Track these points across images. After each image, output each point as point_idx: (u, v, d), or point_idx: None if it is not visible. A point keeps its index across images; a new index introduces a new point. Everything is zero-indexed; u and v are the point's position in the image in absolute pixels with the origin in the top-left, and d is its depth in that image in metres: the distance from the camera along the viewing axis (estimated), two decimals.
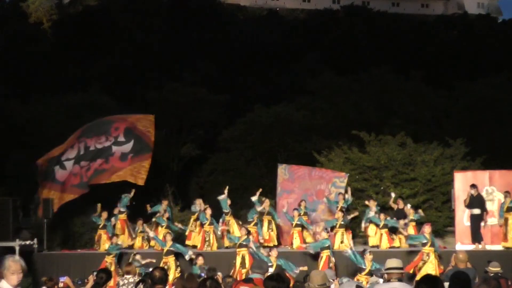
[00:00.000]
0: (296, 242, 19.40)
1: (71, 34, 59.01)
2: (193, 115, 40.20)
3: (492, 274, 10.54)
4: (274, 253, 16.63)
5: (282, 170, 22.81)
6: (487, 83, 39.62)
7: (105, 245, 19.68)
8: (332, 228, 19.21)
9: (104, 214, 20.68)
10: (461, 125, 35.38)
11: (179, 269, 17.24)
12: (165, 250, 17.50)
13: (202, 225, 19.57)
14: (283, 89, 49.01)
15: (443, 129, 34.32)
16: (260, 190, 20.66)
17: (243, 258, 16.91)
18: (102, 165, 21.36)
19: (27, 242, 19.80)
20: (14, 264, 5.67)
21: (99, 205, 21.13)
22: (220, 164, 36.17)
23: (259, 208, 19.86)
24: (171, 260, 17.38)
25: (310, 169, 22.92)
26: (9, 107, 37.77)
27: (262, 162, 35.43)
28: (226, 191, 20.25)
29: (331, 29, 67.37)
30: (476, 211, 18.73)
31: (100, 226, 20.65)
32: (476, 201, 18.74)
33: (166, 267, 16.50)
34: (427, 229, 16.75)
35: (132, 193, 21.34)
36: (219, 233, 19.45)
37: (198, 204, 20.21)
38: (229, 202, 20.27)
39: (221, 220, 19.83)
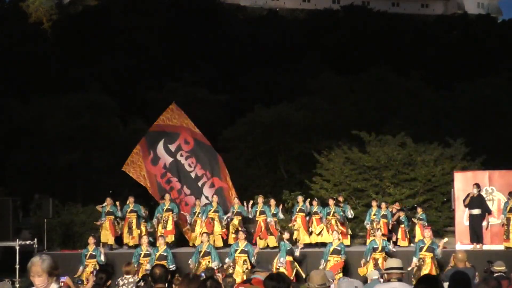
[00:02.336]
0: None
1: (71, 34, 59.03)
2: (193, 115, 40.13)
3: (497, 274, 10.42)
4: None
5: None
6: (487, 83, 39.64)
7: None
8: None
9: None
10: (461, 125, 35.40)
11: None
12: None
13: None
14: (283, 89, 49.02)
15: (443, 129, 34.32)
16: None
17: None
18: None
19: (27, 242, 19.81)
20: (33, 267, 5.25)
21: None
22: None
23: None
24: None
25: None
26: (9, 107, 37.82)
27: (262, 162, 35.44)
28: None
29: (331, 29, 67.36)
30: (475, 211, 18.73)
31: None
32: (476, 202, 18.74)
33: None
34: (426, 233, 16.63)
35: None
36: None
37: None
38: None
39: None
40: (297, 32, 67.80)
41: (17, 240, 19.33)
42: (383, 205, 20.19)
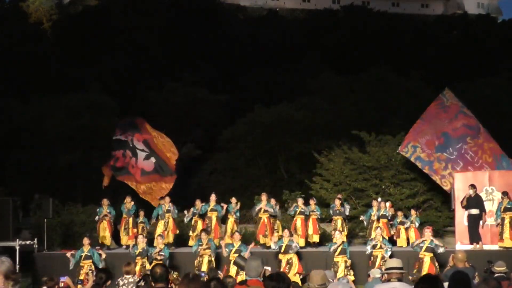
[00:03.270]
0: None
1: (71, 34, 59.00)
2: (193, 115, 40.21)
3: (498, 274, 10.39)
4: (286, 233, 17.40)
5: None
6: (487, 83, 39.62)
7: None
8: None
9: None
10: None
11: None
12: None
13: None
14: (283, 89, 49.00)
15: None
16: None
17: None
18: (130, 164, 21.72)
19: (27, 242, 19.82)
20: None
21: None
22: (220, 164, 36.19)
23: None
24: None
25: None
26: (9, 107, 37.80)
27: (262, 162, 35.44)
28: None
29: (331, 29, 67.34)
30: (474, 211, 18.75)
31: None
32: (473, 202, 18.76)
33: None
34: (427, 232, 16.58)
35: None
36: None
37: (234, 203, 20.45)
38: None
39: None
40: (297, 32, 67.78)
41: (17, 240, 19.35)
42: (382, 204, 20.32)
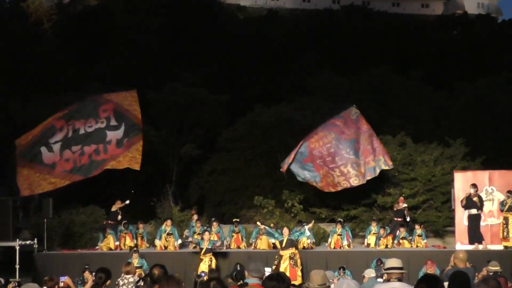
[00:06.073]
0: None
1: (71, 34, 58.99)
2: (193, 115, 40.16)
3: (491, 273, 10.54)
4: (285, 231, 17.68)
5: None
6: (487, 83, 39.61)
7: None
8: None
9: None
10: (461, 125, 35.38)
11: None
12: None
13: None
14: (283, 89, 48.97)
15: (443, 129, 34.32)
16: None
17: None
18: (101, 155, 20.93)
19: (27, 242, 19.82)
20: None
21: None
22: (220, 164, 36.14)
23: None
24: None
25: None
26: (9, 107, 37.78)
27: (262, 162, 35.40)
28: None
29: (331, 29, 67.30)
30: (474, 211, 18.74)
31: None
32: (472, 201, 18.75)
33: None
34: (429, 265, 15.82)
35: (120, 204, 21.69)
36: None
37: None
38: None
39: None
40: (297, 32, 67.73)
41: (17, 240, 19.35)
42: (374, 223, 20.67)
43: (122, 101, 21.54)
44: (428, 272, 15.59)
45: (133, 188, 34.45)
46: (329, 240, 20.65)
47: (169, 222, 20.88)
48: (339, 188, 21.33)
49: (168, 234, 20.46)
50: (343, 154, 21.33)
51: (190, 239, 20.00)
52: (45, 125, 21.47)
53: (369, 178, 21.09)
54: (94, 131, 20.99)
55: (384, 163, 21.05)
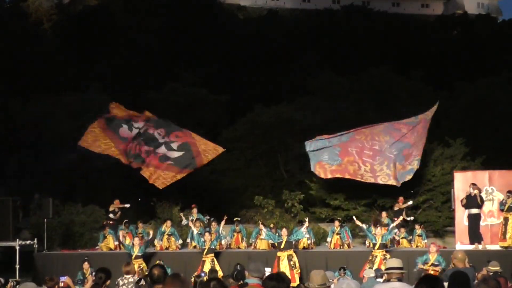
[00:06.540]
0: None
1: (71, 34, 58.99)
2: (193, 115, 40.17)
3: (491, 274, 10.55)
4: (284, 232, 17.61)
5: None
6: (487, 83, 39.62)
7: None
8: None
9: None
10: (461, 125, 35.38)
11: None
12: None
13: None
14: (283, 89, 48.98)
15: (443, 129, 34.30)
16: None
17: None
18: (145, 158, 21.37)
19: (27, 242, 19.82)
20: None
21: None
22: (220, 164, 36.15)
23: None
24: None
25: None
26: (9, 107, 37.77)
27: (262, 162, 35.43)
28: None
29: (331, 29, 67.31)
30: (474, 210, 18.74)
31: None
32: (473, 201, 18.75)
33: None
34: (432, 248, 16.53)
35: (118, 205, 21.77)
36: None
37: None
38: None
39: None
40: (297, 32, 67.73)
41: (17, 240, 19.35)
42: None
43: (201, 145, 22.17)
44: (430, 256, 16.08)
45: (133, 188, 34.42)
46: (328, 239, 20.58)
47: (169, 223, 20.85)
48: (358, 178, 20.61)
49: (168, 235, 20.49)
50: (386, 154, 20.78)
51: (185, 222, 20.30)
52: (131, 114, 22.81)
53: (402, 181, 20.46)
54: (154, 137, 21.86)
55: (417, 163, 20.66)
